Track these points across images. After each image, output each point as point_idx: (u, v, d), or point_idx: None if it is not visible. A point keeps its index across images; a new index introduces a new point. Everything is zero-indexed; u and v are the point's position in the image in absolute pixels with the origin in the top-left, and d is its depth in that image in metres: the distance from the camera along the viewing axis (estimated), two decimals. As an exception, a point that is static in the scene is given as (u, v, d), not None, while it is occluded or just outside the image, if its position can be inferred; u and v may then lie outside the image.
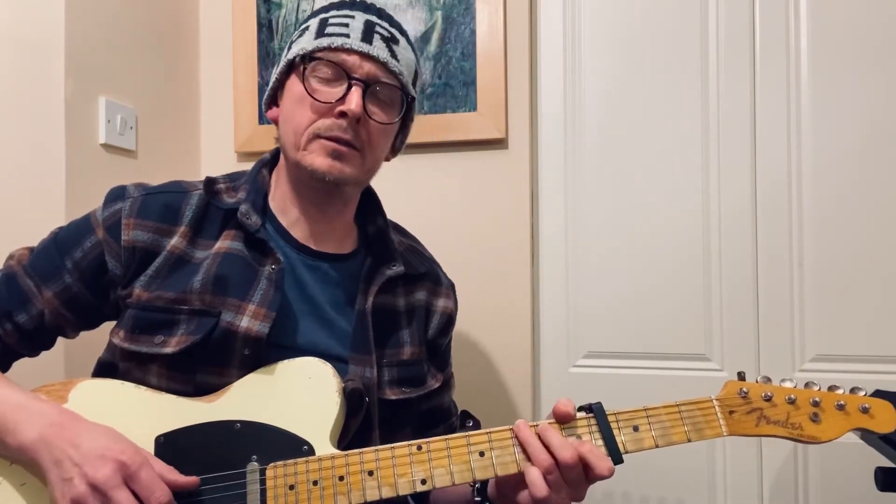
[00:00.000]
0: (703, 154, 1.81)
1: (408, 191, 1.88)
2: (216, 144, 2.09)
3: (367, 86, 1.14)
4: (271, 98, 1.25)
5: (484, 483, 1.15)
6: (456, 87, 1.88)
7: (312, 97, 1.14)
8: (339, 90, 1.14)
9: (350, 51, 1.14)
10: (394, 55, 1.17)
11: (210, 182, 1.22)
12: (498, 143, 1.89)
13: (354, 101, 1.12)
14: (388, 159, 1.31)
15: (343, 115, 1.12)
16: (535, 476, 0.98)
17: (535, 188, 1.91)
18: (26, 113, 1.58)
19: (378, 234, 1.31)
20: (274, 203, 1.25)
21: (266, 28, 2.02)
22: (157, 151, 1.90)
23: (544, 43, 1.92)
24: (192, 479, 1.00)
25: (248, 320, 1.09)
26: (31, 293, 1.15)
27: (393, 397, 1.20)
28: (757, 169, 1.77)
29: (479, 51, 1.87)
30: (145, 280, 1.12)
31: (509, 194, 1.88)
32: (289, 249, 1.21)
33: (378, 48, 1.15)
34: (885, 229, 1.69)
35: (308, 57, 1.15)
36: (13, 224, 1.54)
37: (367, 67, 1.15)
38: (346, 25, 1.16)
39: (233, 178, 1.27)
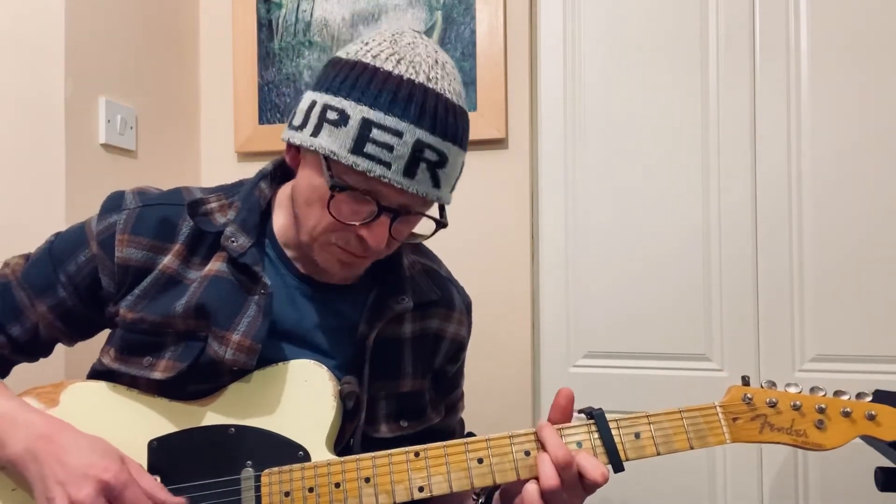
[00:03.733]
0: (703, 154, 1.80)
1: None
2: (216, 144, 2.09)
3: (398, 214, 1.03)
4: (294, 148, 1.09)
5: (489, 497, 1.14)
6: (456, 87, 1.87)
7: (336, 218, 1.02)
8: (365, 208, 1.01)
9: (388, 185, 0.99)
10: (437, 184, 1.02)
11: (194, 205, 1.12)
12: (498, 143, 1.89)
13: (379, 236, 1.02)
14: None
15: (363, 238, 1.03)
16: (532, 493, 0.97)
17: (535, 188, 1.91)
18: (26, 113, 1.58)
19: (389, 261, 1.19)
20: (278, 229, 1.16)
21: (266, 28, 2.02)
22: (157, 151, 1.90)
23: (544, 43, 1.91)
24: (179, 500, 0.98)
25: (233, 353, 1.04)
26: (25, 306, 1.11)
27: (389, 435, 1.15)
28: (757, 170, 1.77)
29: (479, 51, 1.87)
30: (131, 300, 1.08)
31: (509, 194, 1.88)
32: (288, 276, 1.15)
33: (420, 181, 1.00)
34: (884, 230, 1.69)
35: (339, 185, 1.00)
36: (13, 224, 1.54)
37: (402, 200, 1.02)
38: (391, 149, 0.98)
39: (231, 191, 1.18)
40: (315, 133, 1.02)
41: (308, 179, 1.05)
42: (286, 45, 2.01)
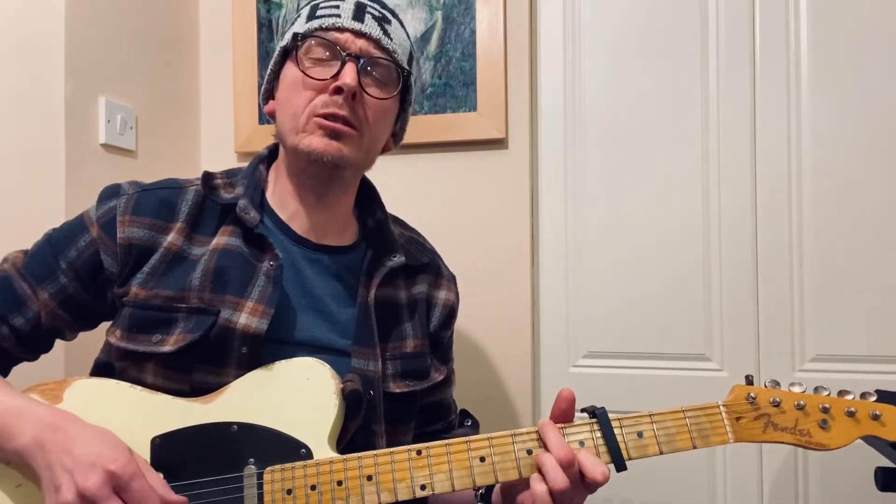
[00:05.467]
0: (703, 154, 1.80)
1: (408, 191, 1.88)
2: (216, 144, 2.09)
3: (361, 61, 1.14)
4: (268, 92, 1.24)
5: (489, 490, 1.15)
6: (456, 87, 1.88)
7: (307, 75, 1.14)
8: (333, 68, 1.13)
9: (342, 29, 1.14)
10: (386, 33, 1.17)
11: (208, 177, 1.21)
12: (498, 143, 1.89)
13: (349, 75, 1.11)
14: (389, 149, 1.30)
15: (339, 90, 1.11)
16: (541, 492, 0.97)
17: (535, 188, 1.91)
18: (26, 113, 1.58)
19: (378, 227, 1.30)
20: (272, 198, 1.23)
21: (266, 28, 2.02)
22: (156, 151, 1.90)
23: (544, 43, 1.91)
24: (181, 499, 0.98)
25: (247, 317, 1.08)
26: (27, 296, 1.13)
27: (397, 390, 1.19)
28: (757, 169, 1.77)
29: (479, 51, 1.87)
30: (142, 278, 1.11)
31: (509, 194, 1.88)
32: (288, 243, 1.20)
33: (370, 26, 1.15)
34: (884, 229, 1.69)
35: (300, 38, 1.16)
36: (13, 224, 1.53)
37: (360, 44, 1.15)
38: (337, 7, 1.16)
39: (230, 174, 1.26)
40: (278, 46, 1.22)
41: (283, 84, 1.20)
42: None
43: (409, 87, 1.24)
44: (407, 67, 1.21)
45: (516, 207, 1.88)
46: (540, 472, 0.98)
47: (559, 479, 0.96)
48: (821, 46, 1.74)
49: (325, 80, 1.13)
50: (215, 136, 2.09)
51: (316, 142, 1.13)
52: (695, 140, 1.81)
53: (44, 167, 1.59)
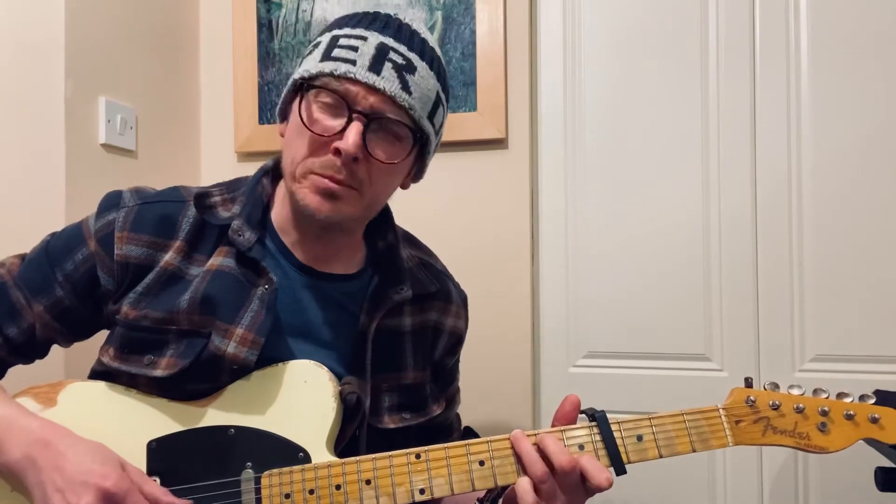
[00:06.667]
0: (703, 154, 1.80)
1: (408, 190, 1.87)
2: (216, 144, 2.09)
3: (370, 120, 1.03)
4: (283, 112, 1.15)
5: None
6: (456, 87, 1.87)
7: (309, 129, 1.04)
8: (338, 123, 1.03)
9: (355, 80, 1.02)
10: (405, 87, 1.04)
11: (201, 197, 1.13)
12: (498, 143, 1.89)
13: (351, 138, 1.01)
14: (405, 187, 1.22)
15: (339, 151, 1.02)
16: (524, 486, 0.96)
17: (535, 188, 1.91)
18: (26, 113, 1.58)
19: (387, 251, 1.23)
20: (276, 218, 1.17)
21: (266, 28, 2.02)
22: (157, 151, 1.90)
23: (544, 43, 1.91)
24: (185, 503, 0.97)
25: (235, 346, 1.04)
26: (21, 306, 1.10)
27: (392, 426, 1.15)
28: (757, 169, 1.77)
29: (479, 51, 1.87)
30: (134, 297, 1.07)
31: (509, 194, 1.88)
32: (289, 268, 1.15)
33: (387, 79, 1.02)
34: (884, 229, 1.69)
35: (309, 84, 1.05)
36: (13, 224, 1.54)
37: (372, 100, 1.02)
38: (356, 49, 1.03)
39: (231, 187, 1.19)
40: (293, 74, 1.10)
41: (291, 120, 1.10)
42: (286, 45, 2.00)
43: (427, 141, 1.12)
44: (425, 127, 1.08)
45: (516, 207, 1.88)
46: (520, 461, 0.99)
47: (538, 469, 0.96)
48: (821, 46, 1.73)
49: (327, 137, 1.03)
50: (215, 136, 2.09)
51: (310, 198, 1.05)
52: (695, 140, 1.81)
53: (44, 167, 1.59)
